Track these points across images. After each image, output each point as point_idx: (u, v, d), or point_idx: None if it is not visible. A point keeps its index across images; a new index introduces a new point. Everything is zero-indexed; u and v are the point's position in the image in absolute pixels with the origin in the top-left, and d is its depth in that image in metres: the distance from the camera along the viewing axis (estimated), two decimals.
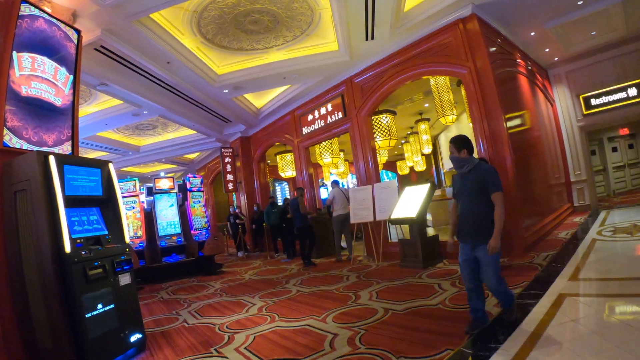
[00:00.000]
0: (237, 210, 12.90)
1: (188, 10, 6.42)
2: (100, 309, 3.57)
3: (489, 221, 3.16)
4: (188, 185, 9.99)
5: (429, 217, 10.69)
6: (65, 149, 4.83)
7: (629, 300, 3.59)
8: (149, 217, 9.37)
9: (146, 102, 9.13)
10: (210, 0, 6.20)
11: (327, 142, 11.17)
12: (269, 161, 14.44)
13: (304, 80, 9.46)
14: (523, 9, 7.17)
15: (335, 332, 3.78)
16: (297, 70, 8.69)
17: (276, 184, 20.66)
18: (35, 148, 4.24)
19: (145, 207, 9.66)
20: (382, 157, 12.96)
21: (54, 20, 4.89)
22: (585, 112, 10.56)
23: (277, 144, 12.57)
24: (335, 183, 9.17)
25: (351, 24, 6.91)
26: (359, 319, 4.14)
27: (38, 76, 4.52)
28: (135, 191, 9.22)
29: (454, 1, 6.46)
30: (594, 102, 10.36)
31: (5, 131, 3.94)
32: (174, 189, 9.87)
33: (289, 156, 12.35)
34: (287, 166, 12.49)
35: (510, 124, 6.78)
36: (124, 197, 8.97)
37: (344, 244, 9.12)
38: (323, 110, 10.07)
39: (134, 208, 9.08)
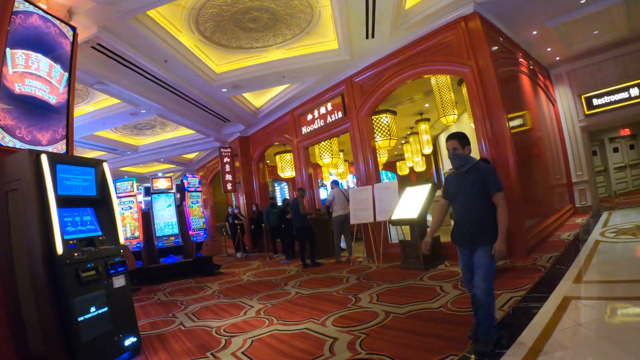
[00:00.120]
0: (235, 211, 12.80)
1: (186, 8, 6.32)
2: (94, 312, 3.47)
3: (489, 223, 2.96)
4: (186, 184, 9.89)
5: (429, 217, 10.60)
6: (60, 148, 4.75)
7: (636, 303, 3.51)
8: (147, 217, 9.26)
9: (144, 101, 9.04)
10: None
11: (326, 142, 11.09)
12: (268, 161, 14.36)
13: (303, 79, 9.37)
14: (525, 7, 7.08)
15: (335, 337, 3.69)
16: (297, 69, 8.60)
17: (275, 185, 20.56)
18: (29, 147, 4.16)
19: (143, 207, 9.56)
20: (382, 158, 12.88)
21: (49, 17, 4.80)
22: (587, 112, 10.47)
23: (276, 143, 12.49)
24: (334, 183, 9.07)
25: (351, 21, 6.83)
26: (359, 322, 4.04)
27: (32, 73, 4.44)
28: (133, 191, 9.11)
29: None
30: (595, 102, 10.28)
31: None
32: (171, 189, 9.76)
33: (288, 156, 12.27)
34: (286, 166, 12.41)
35: (512, 123, 6.70)
36: (121, 197, 8.90)
37: (343, 245, 9.03)
38: (323, 110, 9.98)
39: (131, 208, 8.97)
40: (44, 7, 4.82)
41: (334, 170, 14.78)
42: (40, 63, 4.55)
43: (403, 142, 16.02)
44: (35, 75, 4.47)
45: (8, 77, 4.11)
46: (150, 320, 5.30)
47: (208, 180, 17.94)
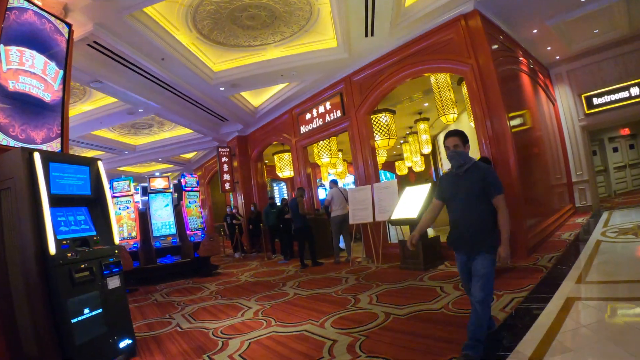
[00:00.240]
0: (234, 211, 12.72)
1: (183, 5, 6.25)
2: (87, 313, 3.39)
3: (489, 226, 2.78)
4: (183, 183, 9.81)
5: None
6: (55, 146, 4.66)
7: None
8: (144, 217, 9.19)
9: (141, 99, 8.96)
10: None
11: (325, 141, 11.03)
12: (266, 161, 14.28)
13: (302, 78, 9.30)
14: (526, 5, 7.03)
15: (334, 339, 3.61)
16: (295, 68, 8.52)
17: (274, 184, 20.49)
18: (23, 146, 4.08)
19: (140, 207, 9.48)
20: (381, 157, 12.81)
21: (44, 13, 4.72)
22: (587, 112, 10.42)
23: (274, 143, 12.42)
24: (333, 183, 8.99)
25: (351, 19, 6.76)
26: (359, 324, 3.96)
27: (26, 70, 4.35)
28: (130, 191, 9.02)
29: None
30: (596, 101, 10.23)
31: None
32: (169, 188, 9.69)
33: (287, 156, 12.21)
34: (284, 166, 12.34)
35: (513, 123, 6.64)
36: (118, 196, 8.82)
37: (342, 245, 8.96)
38: (321, 109, 9.91)
39: (128, 208, 8.89)
40: (39, 3, 4.74)
41: (333, 170, 14.72)
42: (35, 60, 4.47)
43: (402, 141, 15.96)
44: (30, 72, 4.39)
45: (2, 74, 4.02)
46: (147, 321, 5.22)
47: (206, 180, 17.85)
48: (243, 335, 4.11)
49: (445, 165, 16.64)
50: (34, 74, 4.44)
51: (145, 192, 9.58)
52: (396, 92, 8.91)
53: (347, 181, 18.76)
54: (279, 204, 11.95)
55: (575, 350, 2.67)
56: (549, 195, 8.76)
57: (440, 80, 8.38)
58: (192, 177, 10.28)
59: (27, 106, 4.31)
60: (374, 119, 9.07)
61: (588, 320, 3.18)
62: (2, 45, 4.07)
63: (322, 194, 17.16)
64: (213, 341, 4.03)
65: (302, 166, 10.87)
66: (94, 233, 3.86)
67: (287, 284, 6.70)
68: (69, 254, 3.38)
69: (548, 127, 9.78)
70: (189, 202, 9.82)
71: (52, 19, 4.83)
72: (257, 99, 11.12)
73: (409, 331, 3.58)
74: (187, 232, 9.42)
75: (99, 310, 3.52)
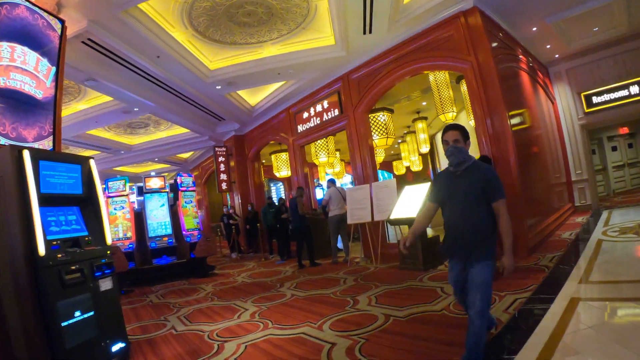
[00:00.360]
0: (230, 211, 12.61)
1: (178, 1, 6.14)
2: (78, 316, 3.28)
3: (488, 231, 2.56)
4: (179, 181, 9.69)
5: None
6: (47, 145, 4.54)
7: None
8: (139, 217, 9.07)
9: (136, 98, 8.83)
10: None
11: (322, 140, 10.93)
12: (263, 160, 14.17)
13: (299, 76, 9.20)
14: (525, 1, 6.95)
15: (333, 342, 3.52)
16: (293, 66, 8.42)
17: (271, 184, 20.38)
18: (13, 144, 3.97)
19: (136, 207, 9.36)
20: (379, 157, 12.73)
21: (36, 9, 4.61)
22: (586, 110, 10.37)
23: (271, 142, 12.32)
24: (331, 182, 8.89)
25: (348, 16, 6.67)
26: (358, 326, 3.87)
27: (18, 67, 4.24)
28: (125, 191, 8.90)
29: None
30: (595, 100, 10.18)
31: None
32: (165, 188, 9.57)
33: (284, 155, 12.12)
34: (282, 166, 12.25)
35: (513, 121, 6.56)
36: (113, 196, 8.70)
37: (340, 245, 8.86)
38: (319, 108, 9.82)
39: (123, 208, 8.77)
40: None
41: (330, 169, 14.64)
42: (27, 56, 4.36)
43: (400, 141, 15.90)
44: (22, 69, 4.27)
45: None
46: (141, 324, 5.11)
47: (203, 180, 17.72)
48: (239, 338, 4.00)
49: (443, 164, 16.58)
50: (25, 70, 4.32)
51: (140, 192, 9.45)
52: (394, 91, 8.83)
53: (345, 181, 18.66)
54: (277, 203, 11.88)
55: (581, 353, 2.59)
56: (548, 194, 8.70)
57: (439, 78, 8.30)
58: (189, 176, 10.17)
59: (18, 104, 4.19)
60: (371, 117, 8.99)
61: (593, 322, 3.10)
62: None
63: (319, 193, 17.09)
64: (208, 344, 3.92)
65: (299, 166, 10.77)
66: (86, 233, 3.75)
67: (285, 285, 6.59)
68: (59, 255, 3.27)
69: (547, 126, 9.72)
70: (185, 202, 9.71)
71: (45, 14, 4.71)
72: (253, 97, 11.01)
73: (409, 334, 3.49)
74: (183, 232, 9.31)
75: (91, 313, 3.41)
